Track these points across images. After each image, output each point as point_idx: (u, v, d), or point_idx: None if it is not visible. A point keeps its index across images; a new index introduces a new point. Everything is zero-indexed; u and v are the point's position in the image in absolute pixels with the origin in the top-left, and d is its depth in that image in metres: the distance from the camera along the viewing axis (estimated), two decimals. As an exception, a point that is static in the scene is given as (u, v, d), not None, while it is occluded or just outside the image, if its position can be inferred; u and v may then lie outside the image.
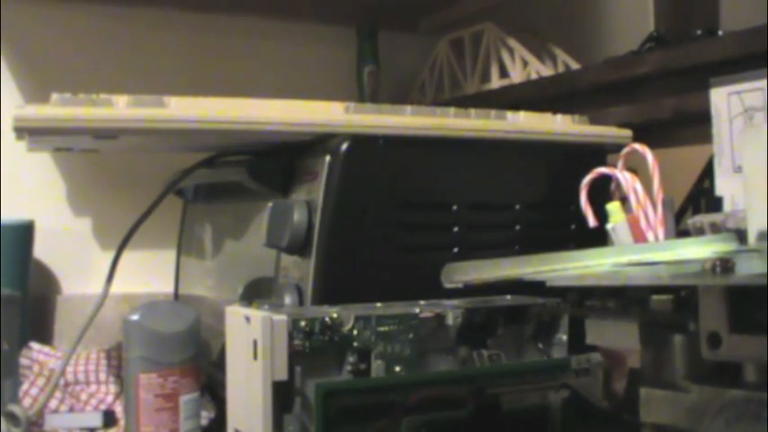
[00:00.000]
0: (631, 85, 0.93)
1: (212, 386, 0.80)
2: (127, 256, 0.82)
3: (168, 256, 1.08)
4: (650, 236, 0.72)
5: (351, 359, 0.55)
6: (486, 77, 1.17)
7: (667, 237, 0.71)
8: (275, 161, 0.76)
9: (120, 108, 0.69)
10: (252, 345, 0.53)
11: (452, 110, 0.77)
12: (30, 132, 0.68)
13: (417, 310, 0.58)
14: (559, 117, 0.84)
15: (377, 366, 0.56)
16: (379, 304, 0.60)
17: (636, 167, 0.78)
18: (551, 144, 0.82)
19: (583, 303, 0.59)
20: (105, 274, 0.82)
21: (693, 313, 0.48)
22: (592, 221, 0.76)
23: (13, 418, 0.72)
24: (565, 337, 0.63)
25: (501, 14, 1.21)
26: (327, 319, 0.55)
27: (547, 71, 1.12)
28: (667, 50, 0.89)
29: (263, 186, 0.76)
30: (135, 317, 0.68)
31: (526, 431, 0.59)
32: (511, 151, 0.79)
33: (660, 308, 0.51)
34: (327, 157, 0.70)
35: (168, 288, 1.07)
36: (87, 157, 1.10)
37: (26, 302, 0.97)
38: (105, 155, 1.11)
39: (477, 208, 0.76)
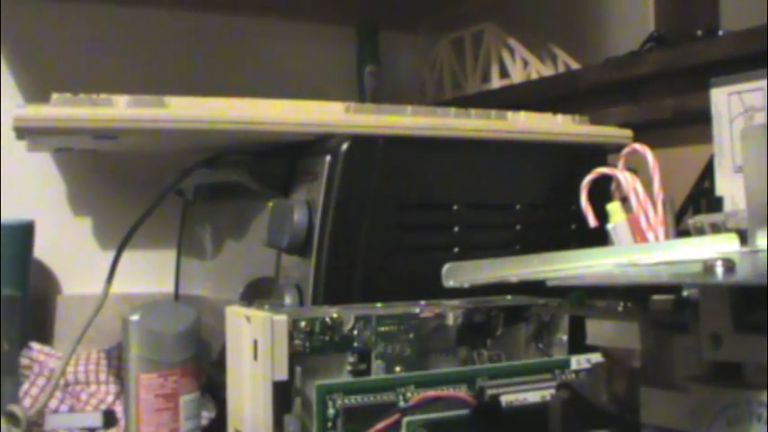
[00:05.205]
0: (631, 85, 0.93)
1: (212, 386, 0.80)
2: (127, 256, 0.82)
3: (168, 256, 1.08)
4: (650, 236, 0.72)
5: (351, 359, 0.55)
6: (486, 77, 1.17)
7: (667, 237, 0.71)
8: (275, 161, 0.76)
9: (120, 108, 0.69)
10: (252, 345, 0.53)
11: (453, 110, 0.77)
12: (30, 132, 0.69)
13: (417, 310, 0.58)
14: (560, 117, 0.84)
15: (377, 366, 0.56)
16: (379, 304, 0.60)
17: (636, 167, 0.78)
18: (552, 144, 0.82)
19: (583, 303, 0.59)
20: (105, 274, 0.82)
21: (694, 313, 0.47)
22: (592, 221, 0.76)
23: (13, 418, 0.72)
24: (565, 337, 0.63)
25: (501, 14, 1.21)
26: (327, 319, 0.55)
27: (547, 71, 1.12)
28: (667, 50, 0.89)
29: (263, 186, 0.76)
30: (135, 317, 0.68)
31: (526, 431, 0.59)
32: (511, 151, 0.79)
33: (660, 308, 0.51)
34: (327, 157, 0.70)
35: (168, 288, 1.06)
36: (87, 157, 1.10)
37: (26, 302, 0.97)
38: (105, 155, 1.11)
39: (478, 208, 0.76)
